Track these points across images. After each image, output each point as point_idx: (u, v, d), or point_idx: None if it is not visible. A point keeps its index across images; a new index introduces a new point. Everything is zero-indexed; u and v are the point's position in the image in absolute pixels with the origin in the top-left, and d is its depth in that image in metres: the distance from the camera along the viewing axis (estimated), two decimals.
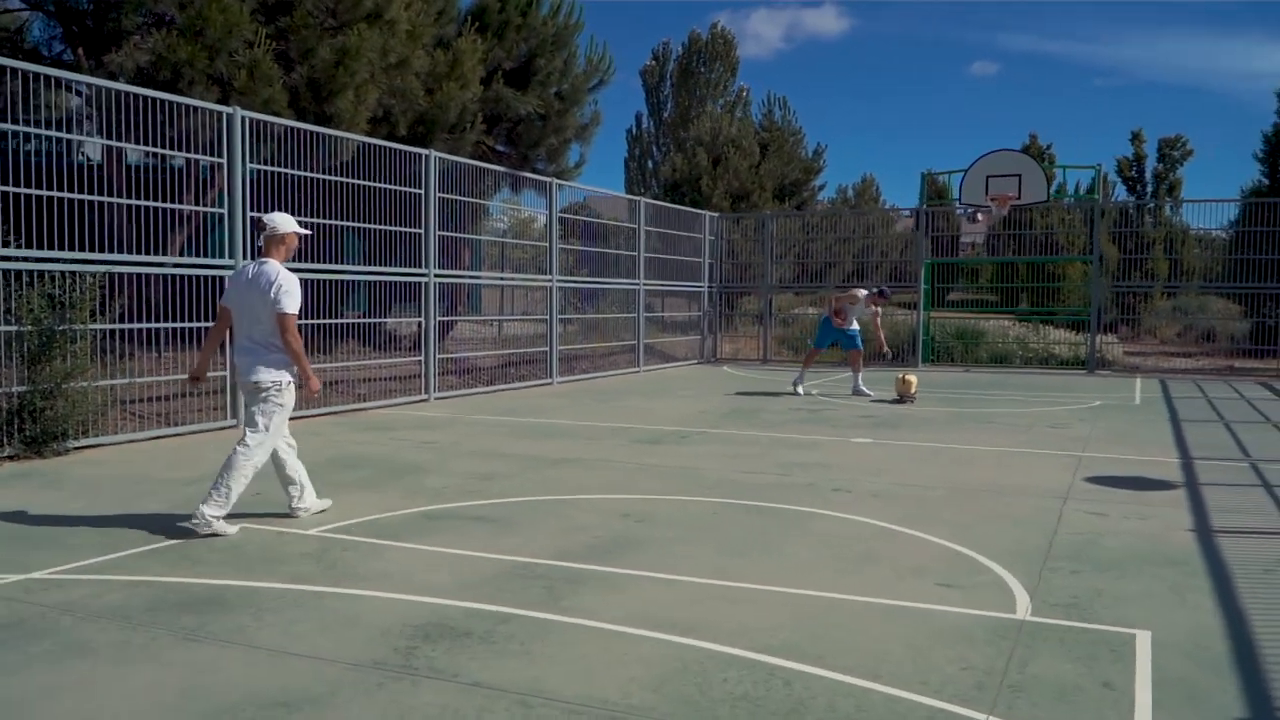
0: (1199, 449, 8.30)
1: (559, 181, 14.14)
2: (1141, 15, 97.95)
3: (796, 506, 5.89)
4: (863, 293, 12.74)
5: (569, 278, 14.44)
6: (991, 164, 17.29)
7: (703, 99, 35.96)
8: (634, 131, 39.24)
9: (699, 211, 19.57)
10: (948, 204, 18.50)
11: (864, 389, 12.64)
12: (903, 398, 12.35)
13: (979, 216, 17.97)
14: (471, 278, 13.41)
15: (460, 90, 11.63)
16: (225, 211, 9.23)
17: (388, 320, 12.96)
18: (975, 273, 22.67)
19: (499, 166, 13.06)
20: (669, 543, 4.98)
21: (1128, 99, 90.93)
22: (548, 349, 14.22)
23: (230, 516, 5.16)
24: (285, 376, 5.20)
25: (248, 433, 5.16)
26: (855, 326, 12.78)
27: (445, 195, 12.03)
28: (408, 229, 11.43)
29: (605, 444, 8.48)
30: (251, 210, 9.36)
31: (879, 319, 13.21)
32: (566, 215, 14.79)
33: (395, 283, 11.56)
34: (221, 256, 9.20)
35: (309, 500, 5.54)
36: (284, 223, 5.27)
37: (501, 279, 15.11)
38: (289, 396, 5.26)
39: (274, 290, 5.05)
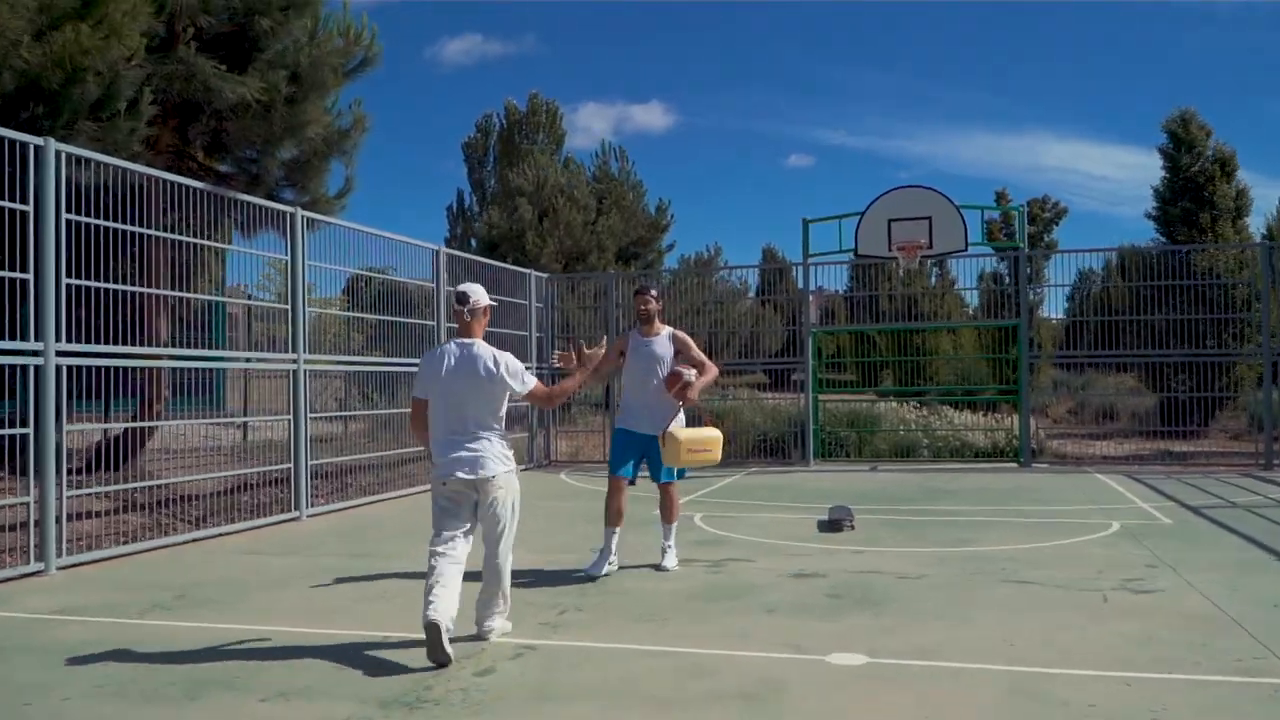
0: None
1: (306, 213, 9.36)
2: (935, 117, 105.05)
3: None
4: (634, 332, 6.62)
5: (324, 357, 9.59)
6: (893, 205, 13.54)
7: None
8: (454, 209, 34.49)
9: (521, 270, 15.09)
10: (840, 256, 14.72)
11: (667, 559, 6.56)
12: (837, 524, 8.11)
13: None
14: (129, 355, 7.83)
15: (103, 42, 6.76)
16: None
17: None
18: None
19: (197, 182, 8.15)
20: None
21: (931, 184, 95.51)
22: (291, 465, 9.30)
23: None
24: (513, 461, 4.71)
25: (499, 543, 4.61)
26: (668, 402, 6.36)
27: (95, 220, 7.14)
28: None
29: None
30: None
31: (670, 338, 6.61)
32: (317, 264, 9.99)
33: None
34: None
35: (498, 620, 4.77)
36: (484, 294, 4.90)
37: (204, 358, 10.17)
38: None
39: (501, 371, 4.62)
